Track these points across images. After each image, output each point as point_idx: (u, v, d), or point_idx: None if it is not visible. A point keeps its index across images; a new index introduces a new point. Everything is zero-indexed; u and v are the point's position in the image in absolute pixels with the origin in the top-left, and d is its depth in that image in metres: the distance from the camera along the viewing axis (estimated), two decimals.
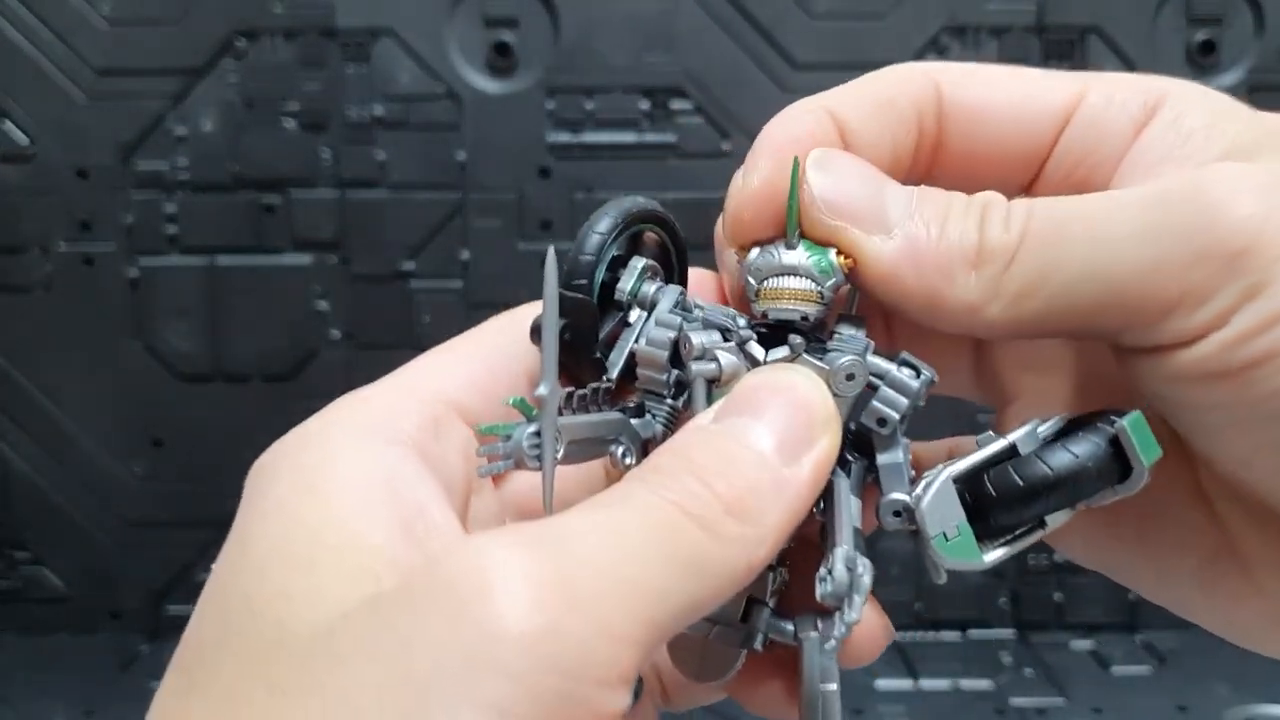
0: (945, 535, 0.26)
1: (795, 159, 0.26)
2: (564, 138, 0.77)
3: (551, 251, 0.26)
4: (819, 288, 0.26)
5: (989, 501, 0.26)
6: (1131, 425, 0.25)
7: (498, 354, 0.29)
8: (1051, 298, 0.25)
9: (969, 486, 0.26)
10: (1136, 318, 0.24)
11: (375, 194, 0.78)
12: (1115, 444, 0.25)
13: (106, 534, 0.80)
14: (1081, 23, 0.76)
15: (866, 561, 0.26)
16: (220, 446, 0.78)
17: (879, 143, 0.28)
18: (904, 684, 0.74)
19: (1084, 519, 0.27)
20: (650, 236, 0.30)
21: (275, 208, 0.78)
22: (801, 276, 0.26)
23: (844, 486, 0.27)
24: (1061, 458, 0.25)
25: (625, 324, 0.29)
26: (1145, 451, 0.25)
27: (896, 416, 0.26)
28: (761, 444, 0.24)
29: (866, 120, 0.28)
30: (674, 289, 0.29)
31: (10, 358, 0.79)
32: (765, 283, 0.27)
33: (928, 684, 0.74)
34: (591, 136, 0.77)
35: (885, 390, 0.26)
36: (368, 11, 0.76)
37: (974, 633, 0.81)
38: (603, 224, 0.28)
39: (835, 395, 0.26)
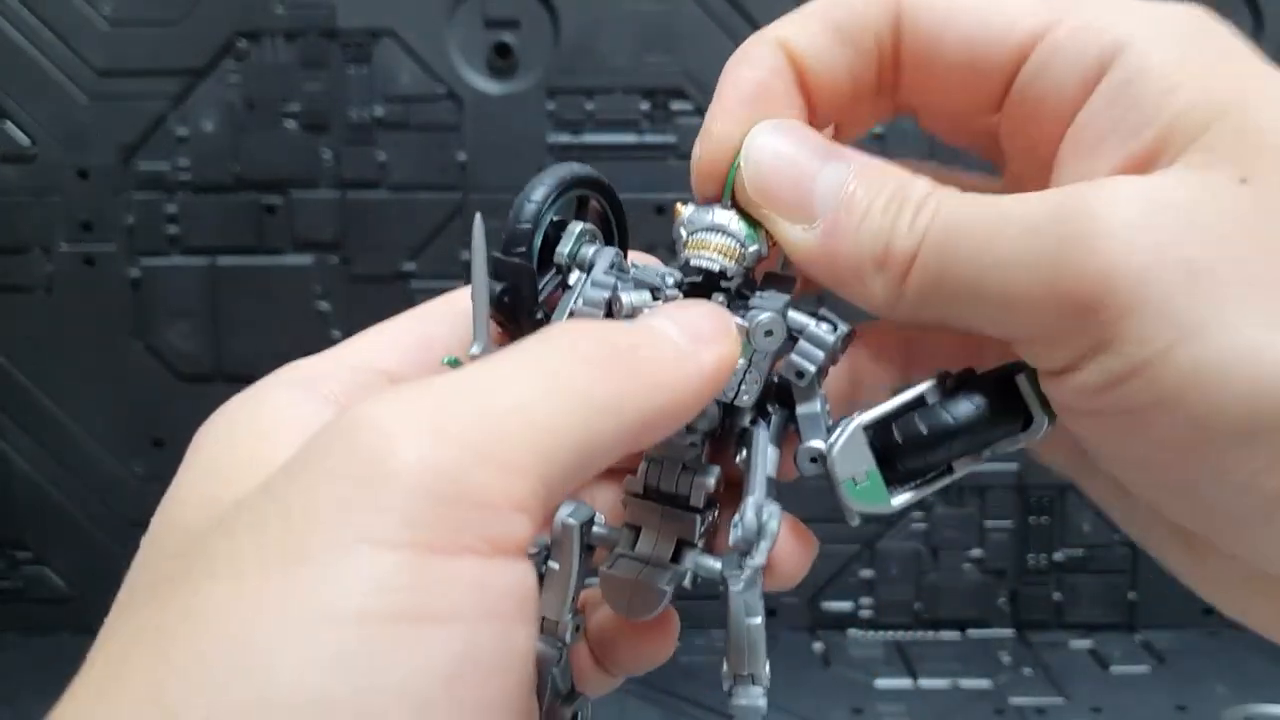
0: (854, 480, 0.27)
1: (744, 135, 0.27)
2: (564, 138, 0.77)
3: (478, 217, 0.27)
4: (741, 248, 0.28)
5: (896, 449, 0.27)
6: (1030, 377, 0.26)
7: (436, 327, 0.29)
8: (944, 306, 0.25)
9: (879, 435, 0.27)
10: (1012, 340, 0.24)
11: (376, 194, 0.78)
12: (1016, 395, 0.26)
13: (108, 534, 0.80)
14: None
15: (775, 508, 0.27)
16: None
17: (836, 73, 0.28)
18: (903, 683, 0.74)
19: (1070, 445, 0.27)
20: (592, 205, 0.31)
21: (276, 208, 0.78)
22: (726, 235, 0.28)
23: (762, 436, 0.28)
24: (962, 407, 0.26)
25: (565, 286, 0.29)
26: (1039, 408, 0.26)
27: (813, 369, 0.27)
28: (667, 329, 0.24)
29: (823, 52, 0.28)
30: (610, 250, 0.30)
31: (11, 358, 0.79)
32: (693, 235, 0.28)
33: (927, 683, 0.74)
34: (592, 137, 0.77)
35: (802, 344, 0.28)
36: (369, 12, 0.76)
37: (973, 632, 0.81)
38: (538, 192, 0.29)
39: (754, 350, 0.27)
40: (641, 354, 0.23)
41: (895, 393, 0.27)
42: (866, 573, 0.81)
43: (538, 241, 0.29)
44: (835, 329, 0.28)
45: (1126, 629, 0.80)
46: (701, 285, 0.29)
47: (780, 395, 0.29)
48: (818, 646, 0.79)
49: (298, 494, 0.19)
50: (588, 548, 0.29)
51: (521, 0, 0.76)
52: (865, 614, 0.81)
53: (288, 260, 0.78)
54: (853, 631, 0.81)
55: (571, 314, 0.28)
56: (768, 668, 0.28)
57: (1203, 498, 0.23)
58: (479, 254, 0.27)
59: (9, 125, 0.77)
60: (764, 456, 0.28)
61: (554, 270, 0.29)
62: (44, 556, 0.81)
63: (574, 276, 0.29)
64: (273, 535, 0.19)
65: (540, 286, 0.29)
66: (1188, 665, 0.76)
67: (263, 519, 0.19)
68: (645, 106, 0.77)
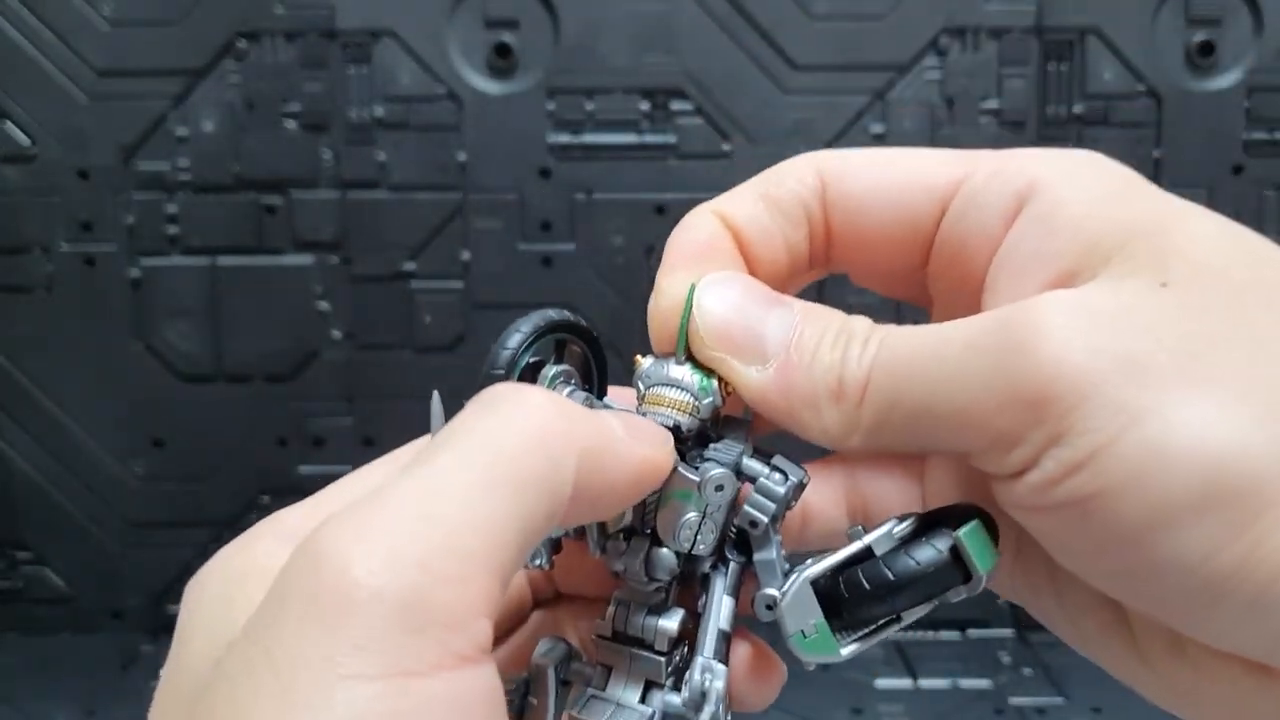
0: (804, 633, 0.28)
1: (692, 285, 0.29)
2: (564, 138, 0.77)
3: (435, 395, 0.28)
4: (695, 402, 0.29)
5: (843, 601, 0.28)
6: (967, 535, 0.27)
7: None
8: (899, 430, 0.26)
9: (828, 584, 0.28)
10: (968, 451, 0.25)
11: (376, 194, 0.78)
12: (955, 550, 0.27)
13: (108, 534, 0.80)
14: (1080, 23, 0.76)
15: (721, 669, 0.28)
16: (221, 446, 0.78)
17: (771, 241, 0.30)
18: (903, 683, 0.74)
19: (1006, 562, 0.29)
20: (573, 349, 0.32)
21: (276, 208, 0.78)
22: (681, 390, 0.29)
23: (719, 586, 0.30)
24: (904, 564, 0.27)
25: None
26: (980, 559, 0.27)
27: (765, 519, 0.29)
28: (609, 418, 0.26)
29: (757, 222, 0.30)
30: (580, 394, 0.30)
31: (12, 358, 0.79)
32: (650, 389, 0.29)
33: (927, 683, 0.74)
34: (592, 137, 0.77)
35: (754, 495, 0.29)
36: (368, 12, 0.76)
37: (973, 632, 0.81)
38: (513, 339, 0.29)
39: (705, 503, 0.28)
40: (586, 426, 0.24)
41: (850, 539, 0.28)
42: None
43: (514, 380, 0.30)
44: (787, 479, 0.29)
45: None
46: None
47: (740, 542, 0.30)
48: None
49: (277, 638, 0.21)
50: (563, 683, 0.30)
51: (521, 0, 0.76)
52: None
53: (288, 260, 0.78)
54: None
55: None
56: None
57: (1157, 581, 0.24)
58: (438, 423, 0.28)
59: (9, 125, 0.77)
60: (717, 609, 0.29)
61: None
62: (44, 556, 0.81)
63: None
64: (264, 682, 0.20)
65: None
66: None
67: (251, 665, 0.21)
68: (645, 106, 0.77)
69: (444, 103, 0.77)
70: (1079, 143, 0.77)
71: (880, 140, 0.77)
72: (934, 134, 0.77)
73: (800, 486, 0.29)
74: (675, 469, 0.29)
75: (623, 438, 0.26)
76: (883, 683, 0.74)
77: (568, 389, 0.30)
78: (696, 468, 0.29)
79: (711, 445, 0.30)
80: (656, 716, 0.29)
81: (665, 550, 0.29)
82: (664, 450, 0.27)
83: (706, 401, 0.29)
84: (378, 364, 0.78)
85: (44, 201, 0.77)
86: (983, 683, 0.74)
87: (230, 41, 0.76)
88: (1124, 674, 0.31)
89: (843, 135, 0.77)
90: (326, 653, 0.20)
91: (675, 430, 0.29)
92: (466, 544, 0.21)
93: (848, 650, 0.28)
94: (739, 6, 0.76)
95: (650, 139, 0.77)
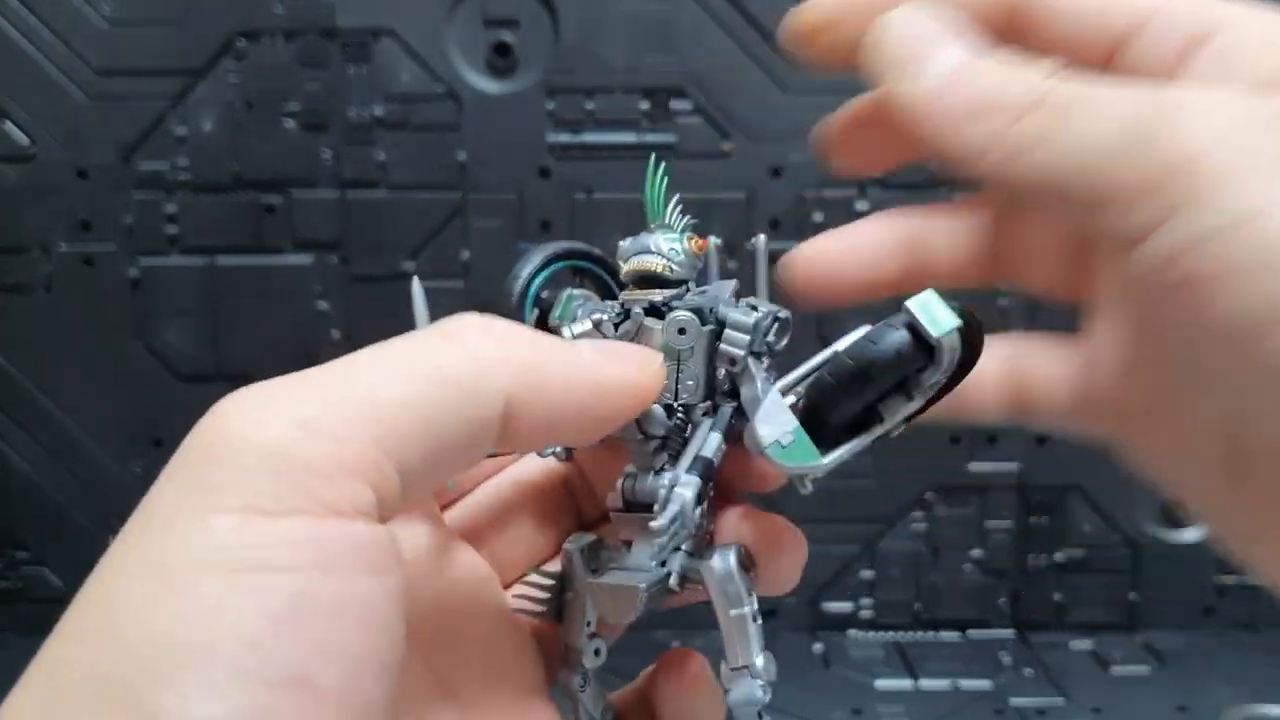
0: (780, 443, 0.28)
1: (651, 156, 0.30)
2: (564, 138, 0.77)
3: (415, 279, 0.31)
4: (667, 262, 0.30)
5: (817, 406, 0.28)
6: (918, 303, 0.26)
7: None
8: (1038, 161, 0.25)
9: (806, 398, 0.28)
10: (1093, 202, 0.25)
11: (376, 194, 0.78)
12: (913, 328, 0.26)
13: (107, 534, 0.80)
14: None
15: (691, 479, 0.28)
16: None
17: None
18: (903, 684, 0.74)
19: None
20: (588, 273, 0.34)
21: (276, 208, 0.78)
22: (655, 255, 0.30)
23: (704, 425, 0.30)
24: (861, 347, 0.27)
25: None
26: (934, 325, 0.25)
27: (740, 353, 0.29)
28: (580, 344, 0.27)
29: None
30: (593, 305, 0.32)
31: (10, 358, 0.79)
32: (628, 261, 0.30)
33: (927, 684, 0.74)
34: (591, 137, 0.77)
35: (728, 331, 0.29)
36: (368, 12, 0.76)
37: (973, 633, 0.81)
38: (525, 268, 0.32)
39: (676, 350, 0.29)
40: (520, 336, 0.25)
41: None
42: (867, 573, 0.81)
43: (529, 312, 0.32)
44: (757, 310, 0.29)
45: (1127, 630, 0.80)
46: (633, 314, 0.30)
47: (732, 388, 0.30)
48: (818, 647, 0.79)
49: (163, 478, 0.23)
50: (594, 571, 0.30)
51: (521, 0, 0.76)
52: (865, 615, 0.81)
53: (287, 260, 0.78)
54: (853, 632, 0.81)
55: None
56: (763, 660, 0.29)
57: (1247, 391, 0.23)
58: (420, 311, 0.30)
59: (8, 125, 0.77)
60: (701, 437, 0.29)
61: (554, 334, 0.31)
62: (43, 556, 0.81)
63: (566, 332, 0.31)
64: (140, 512, 0.23)
65: None
66: (1188, 666, 0.76)
67: (136, 511, 0.23)
68: (645, 106, 0.77)
69: (444, 102, 0.77)
70: None
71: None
72: None
73: (778, 319, 0.30)
74: (641, 323, 0.30)
75: (584, 360, 0.26)
76: (883, 683, 0.74)
77: (581, 305, 0.31)
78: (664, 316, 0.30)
79: (687, 295, 0.30)
80: (674, 576, 0.29)
81: (654, 405, 0.29)
82: (639, 369, 0.27)
83: (679, 260, 0.30)
84: None
85: (43, 201, 0.77)
86: (983, 683, 0.74)
87: (229, 41, 0.76)
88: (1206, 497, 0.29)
89: None
90: (191, 487, 0.22)
91: (651, 309, 0.30)
92: (352, 411, 0.23)
93: (830, 458, 0.28)
94: (739, 6, 0.76)
95: (650, 138, 0.77)
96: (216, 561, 0.21)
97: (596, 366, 0.26)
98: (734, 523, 0.31)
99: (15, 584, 0.81)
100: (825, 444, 0.28)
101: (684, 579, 0.29)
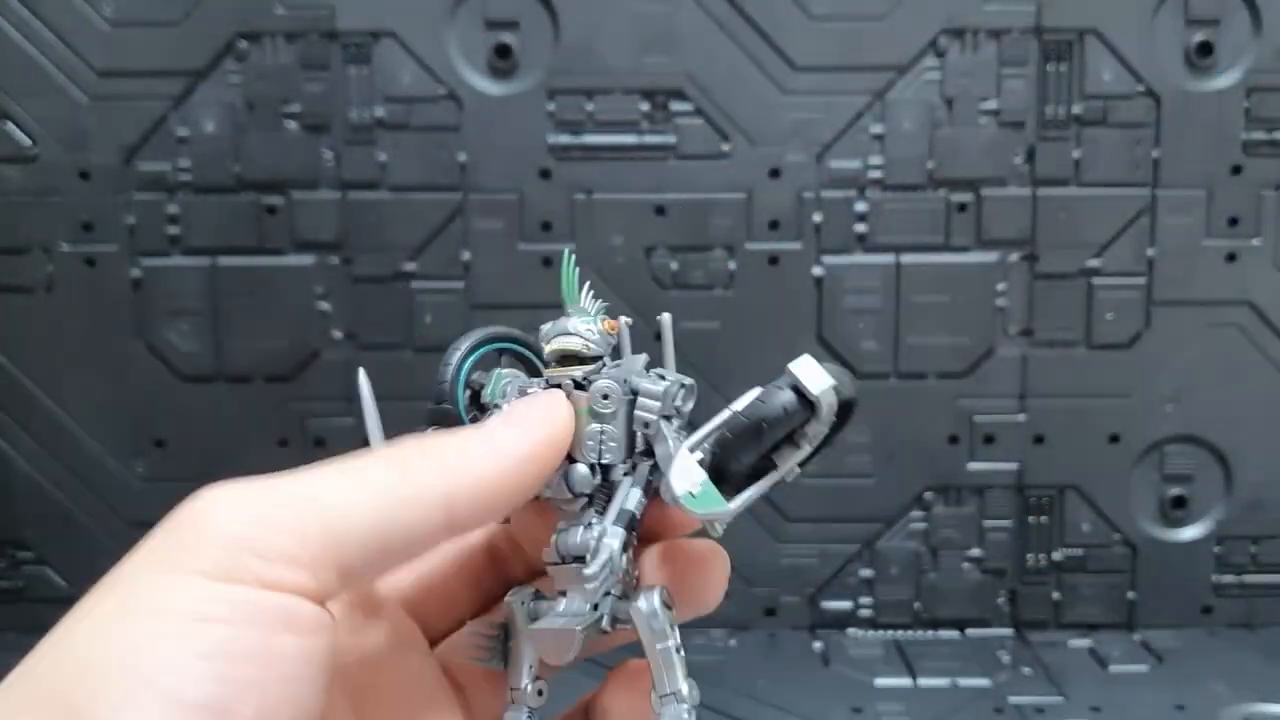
0: (691, 493, 0.31)
1: (565, 251, 0.35)
2: (564, 139, 0.77)
3: (361, 371, 0.36)
4: (585, 341, 0.34)
5: (720, 460, 0.32)
6: (798, 366, 0.31)
7: None
8: None
9: (711, 454, 0.32)
10: None
11: (376, 195, 0.78)
12: (796, 388, 0.31)
13: (109, 534, 0.80)
14: (1080, 24, 0.76)
15: (617, 530, 0.32)
16: (222, 447, 0.79)
17: None
18: (903, 682, 0.75)
19: None
20: (513, 354, 0.38)
21: (277, 209, 0.78)
22: (572, 335, 0.34)
23: (626, 481, 0.33)
24: (752, 407, 0.31)
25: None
26: (813, 385, 0.30)
27: (653, 417, 0.33)
28: (490, 423, 0.31)
29: None
30: (519, 382, 0.35)
31: (12, 358, 0.79)
32: (551, 341, 0.34)
33: (926, 682, 0.74)
34: (592, 138, 0.77)
35: (640, 399, 0.33)
36: (369, 13, 0.76)
37: (972, 631, 0.81)
38: (455, 355, 0.36)
39: (601, 415, 0.33)
40: (450, 446, 0.30)
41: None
42: (866, 572, 0.81)
43: (461, 393, 0.35)
44: (664, 380, 0.33)
45: (1125, 628, 0.81)
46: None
47: (648, 449, 0.34)
48: (817, 646, 0.79)
49: (138, 546, 0.28)
50: (534, 619, 0.34)
51: (522, 1, 0.76)
52: (864, 613, 0.81)
53: (288, 261, 0.78)
54: (852, 631, 0.81)
55: None
56: (687, 686, 0.33)
57: None
58: (368, 405, 0.35)
59: (10, 126, 0.77)
60: (623, 493, 0.33)
61: (488, 411, 0.35)
62: (44, 556, 0.81)
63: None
64: (113, 570, 0.28)
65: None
66: (1187, 665, 0.76)
67: (119, 563, 0.28)
68: (645, 107, 0.77)
69: (444, 103, 0.77)
70: (1078, 143, 0.77)
71: (880, 140, 0.77)
72: (933, 134, 0.77)
73: (683, 386, 0.34)
74: (570, 393, 0.33)
75: (501, 438, 0.30)
76: (882, 682, 0.75)
77: (514, 382, 0.35)
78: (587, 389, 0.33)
79: (604, 372, 0.34)
80: (605, 618, 0.33)
81: (579, 464, 0.33)
82: (541, 424, 0.31)
83: (595, 338, 0.34)
84: (378, 364, 0.78)
85: (45, 202, 0.78)
86: (982, 682, 0.74)
87: (231, 42, 0.76)
88: None
89: (842, 136, 0.77)
90: (156, 556, 0.27)
91: (575, 384, 0.33)
92: (303, 515, 0.27)
93: (736, 503, 0.32)
94: (738, 7, 0.76)
95: (650, 139, 0.77)
96: (163, 608, 0.25)
97: (514, 439, 0.30)
98: (654, 563, 0.35)
99: (17, 583, 0.81)
100: (730, 491, 0.32)
101: (614, 620, 0.33)
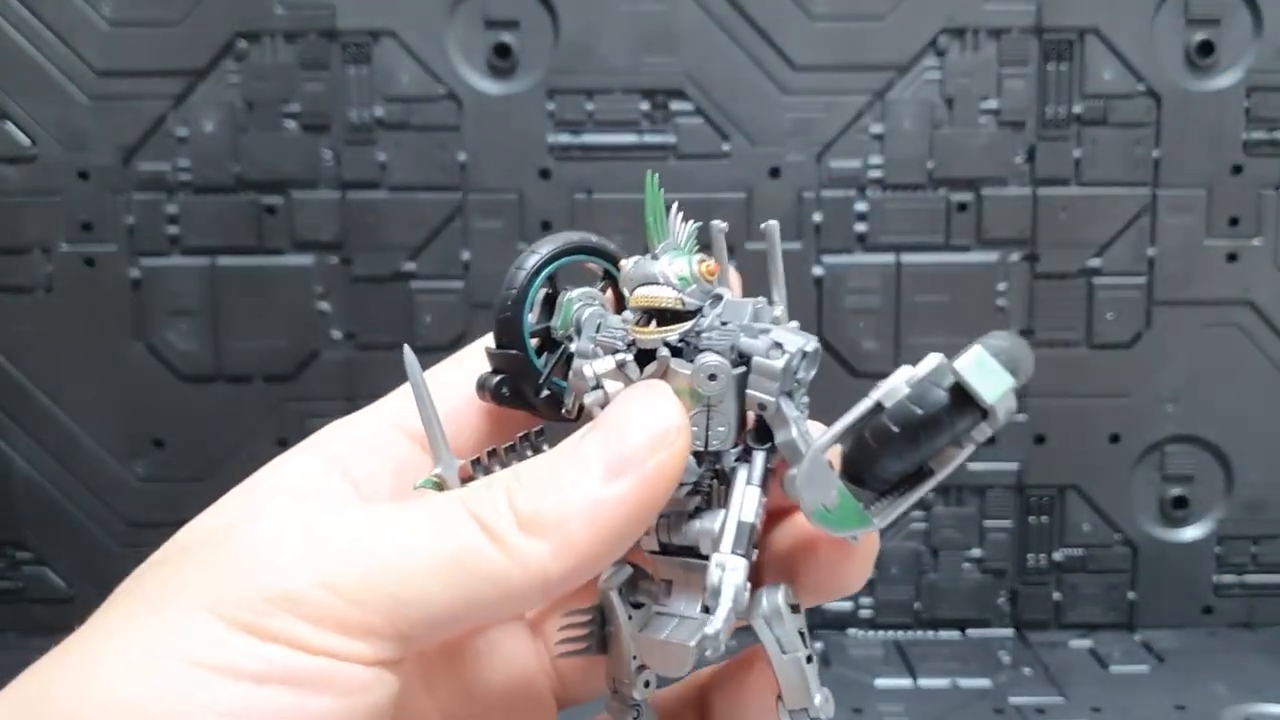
0: (825, 507, 0.26)
1: (649, 173, 0.29)
2: (564, 139, 0.77)
3: (407, 348, 0.29)
4: (678, 294, 0.28)
5: (870, 457, 0.26)
6: (964, 365, 0.25)
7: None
8: None
9: (851, 450, 0.26)
10: None
11: (376, 195, 0.78)
12: (959, 387, 0.25)
13: (108, 534, 0.80)
14: (1080, 24, 0.76)
15: (738, 562, 0.27)
16: (222, 447, 0.79)
17: None
18: (903, 683, 0.74)
19: None
20: (591, 267, 0.32)
21: (276, 209, 0.78)
22: (663, 286, 0.28)
23: (741, 477, 0.28)
24: (904, 410, 0.25)
25: (569, 355, 0.30)
26: (987, 389, 0.24)
27: (771, 399, 0.27)
28: (590, 462, 0.26)
29: None
30: (595, 313, 0.30)
31: (12, 358, 0.79)
32: (635, 292, 0.29)
33: (926, 683, 0.74)
34: (592, 138, 0.77)
35: (753, 378, 0.27)
36: (369, 13, 0.76)
37: (973, 632, 0.81)
38: (530, 260, 0.30)
39: (705, 396, 0.27)
40: (544, 519, 0.25)
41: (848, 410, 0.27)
42: None
43: (527, 322, 0.30)
44: (784, 351, 0.27)
45: (1126, 629, 0.81)
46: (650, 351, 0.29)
47: (761, 429, 0.28)
48: (818, 646, 0.79)
49: (178, 562, 0.25)
50: (635, 605, 0.30)
51: (521, 0, 0.76)
52: (865, 614, 0.81)
53: (288, 261, 0.78)
54: (853, 631, 0.81)
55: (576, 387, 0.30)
56: (820, 698, 0.28)
57: None
58: (418, 386, 0.29)
59: (9, 126, 0.77)
60: (738, 500, 0.28)
61: (560, 351, 0.30)
62: (44, 556, 0.81)
63: (573, 345, 0.30)
64: (145, 575, 0.25)
65: (548, 362, 0.30)
66: (1187, 665, 0.76)
67: (155, 557, 0.26)
68: (645, 107, 0.77)
69: (444, 103, 0.77)
70: (1079, 142, 0.77)
71: (880, 140, 0.77)
72: (933, 134, 0.77)
73: (806, 355, 0.28)
74: (669, 366, 0.28)
75: (594, 487, 0.25)
76: (883, 682, 0.74)
77: (586, 309, 0.30)
78: (692, 360, 0.28)
79: (705, 333, 0.28)
80: (720, 627, 0.28)
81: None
82: (665, 452, 0.26)
83: (691, 289, 0.28)
84: (378, 364, 0.78)
85: (44, 202, 0.77)
86: (982, 682, 0.74)
87: (230, 42, 0.76)
88: None
89: (842, 135, 0.77)
90: (202, 583, 0.24)
91: (672, 350, 0.28)
92: (372, 585, 0.24)
93: (880, 519, 0.26)
94: (738, 7, 0.76)
95: (650, 139, 0.77)
96: (192, 657, 0.23)
97: (621, 497, 0.26)
98: (780, 551, 0.30)
99: (17, 584, 0.81)
100: (871, 495, 0.27)
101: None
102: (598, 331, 0.30)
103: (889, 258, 0.78)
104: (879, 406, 0.26)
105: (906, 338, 0.78)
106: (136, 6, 0.76)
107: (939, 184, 0.78)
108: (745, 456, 0.28)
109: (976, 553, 0.81)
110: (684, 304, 0.28)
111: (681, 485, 0.28)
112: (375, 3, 0.76)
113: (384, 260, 0.78)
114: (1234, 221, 0.78)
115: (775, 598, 0.28)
